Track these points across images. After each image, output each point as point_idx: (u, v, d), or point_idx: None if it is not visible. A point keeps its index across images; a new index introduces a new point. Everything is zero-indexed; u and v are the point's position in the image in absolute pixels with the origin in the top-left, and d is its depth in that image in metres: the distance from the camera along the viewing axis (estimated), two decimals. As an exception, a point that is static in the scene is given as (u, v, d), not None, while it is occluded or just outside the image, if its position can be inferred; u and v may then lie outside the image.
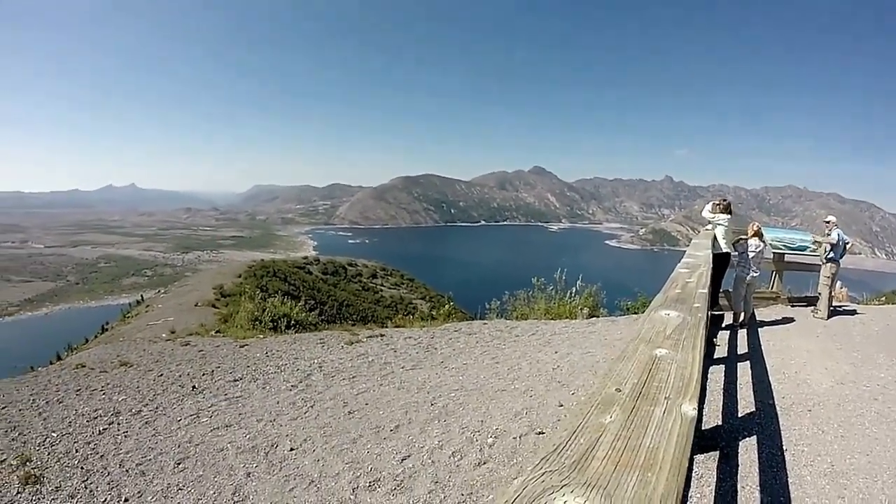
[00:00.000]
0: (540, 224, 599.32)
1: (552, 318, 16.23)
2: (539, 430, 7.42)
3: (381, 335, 14.58)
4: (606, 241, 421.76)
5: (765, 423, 7.30)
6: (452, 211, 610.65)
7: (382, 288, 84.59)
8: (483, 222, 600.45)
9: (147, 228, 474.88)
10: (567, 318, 16.20)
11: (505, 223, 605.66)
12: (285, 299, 20.28)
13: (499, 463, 6.69)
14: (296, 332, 17.01)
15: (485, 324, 15.53)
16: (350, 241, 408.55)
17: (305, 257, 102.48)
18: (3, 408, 12.05)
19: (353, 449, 7.56)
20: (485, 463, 6.73)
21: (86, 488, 7.59)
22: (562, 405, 8.21)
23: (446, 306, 20.54)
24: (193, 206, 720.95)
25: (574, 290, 17.44)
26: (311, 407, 9.31)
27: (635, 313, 16.92)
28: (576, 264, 23.94)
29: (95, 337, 53.47)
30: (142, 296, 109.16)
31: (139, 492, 7.19)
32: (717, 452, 6.41)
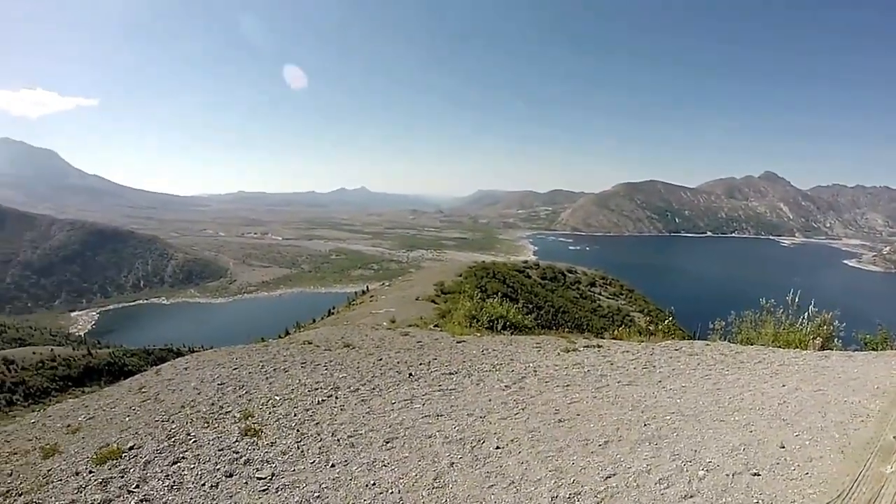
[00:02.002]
0: (771, 237, 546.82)
1: (781, 346, 14.97)
2: (755, 471, 6.73)
3: (598, 346, 14.16)
4: (845, 261, 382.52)
5: None
6: (677, 220, 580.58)
7: (600, 297, 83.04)
8: (709, 233, 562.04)
9: (375, 227, 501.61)
10: (797, 347, 14.88)
11: (733, 235, 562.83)
12: (503, 301, 20.48)
13: (706, 499, 6.18)
14: (511, 333, 17.01)
15: (707, 345, 14.56)
16: (570, 248, 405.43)
17: (525, 261, 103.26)
18: (235, 369, 13.21)
19: (558, 458, 7.38)
20: (691, 497, 6.24)
21: (298, 448, 8.15)
22: (784, 447, 7.39)
23: (666, 322, 19.77)
24: (419, 209, 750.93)
25: (806, 315, 15.92)
26: (522, 409, 9.22)
27: (874, 349, 15.09)
28: (809, 285, 22.05)
29: (322, 318, 57.21)
30: (367, 286, 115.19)
31: (346, 461, 7.56)
32: None
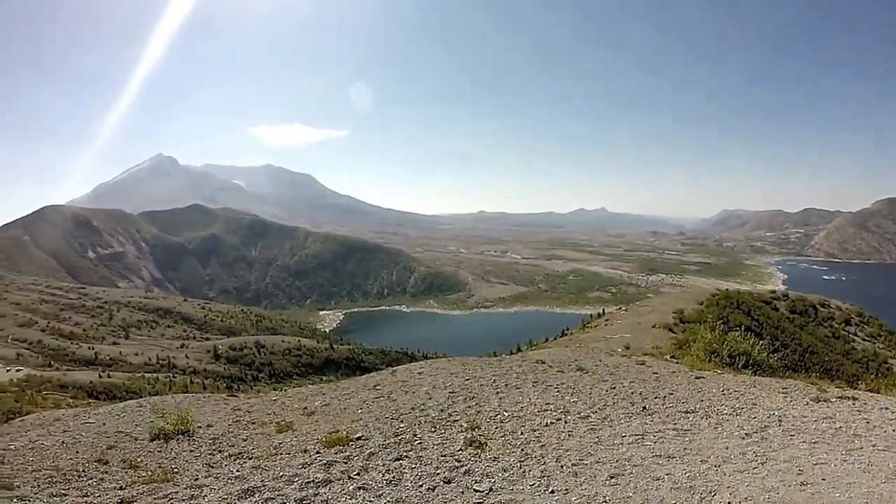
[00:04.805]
0: None
1: None
2: None
3: (853, 399, 12.35)
4: None
5: None
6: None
7: (855, 338, 74.81)
8: None
9: (614, 249, 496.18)
10: None
11: None
12: (747, 335, 19.06)
13: None
14: (754, 373, 15.80)
15: None
16: (824, 277, 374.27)
17: (773, 291, 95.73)
18: (467, 380, 13.53)
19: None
20: None
21: (520, 467, 7.94)
22: None
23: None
24: (660, 230, 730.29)
25: None
26: (762, 464, 8.19)
27: None
28: None
29: (555, 339, 57.11)
30: (603, 309, 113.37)
31: (566, 489, 7.19)
32: None
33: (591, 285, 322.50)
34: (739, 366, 16.50)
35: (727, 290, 78.21)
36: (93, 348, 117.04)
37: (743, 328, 21.37)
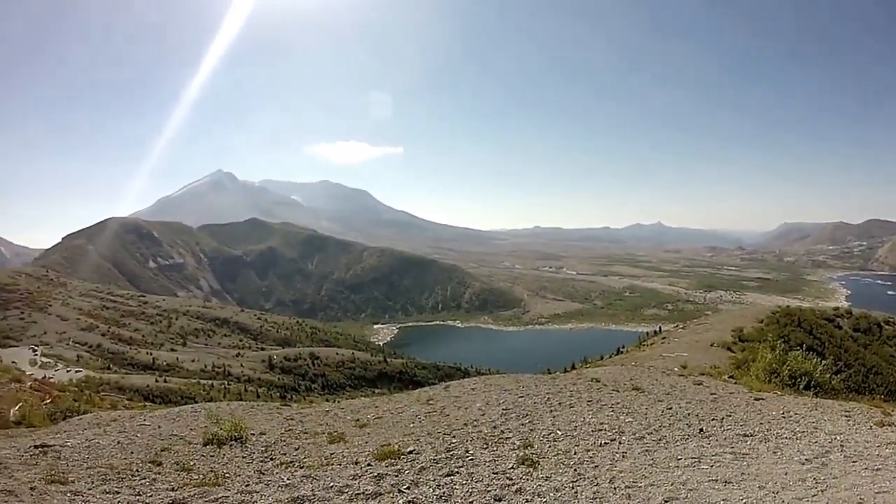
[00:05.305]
0: None
1: None
2: None
3: None
4: None
5: None
6: None
7: (923, 357, 72.30)
8: None
9: (672, 264, 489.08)
10: None
11: None
12: (808, 354, 18.53)
13: None
14: (816, 394, 15.34)
15: None
16: (889, 293, 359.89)
17: (836, 308, 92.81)
18: (520, 397, 13.48)
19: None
20: None
21: (572, 487, 7.82)
22: None
23: None
24: (718, 245, 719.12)
25: None
26: (822, 492, 7.81)
27: None
28: None
29: (610, 357, 56.62)
30: (660, 327, 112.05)
31: None
32: None
33: (647, 302, 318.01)
34: (800, 387, 16.03)
35: (788, 306, 76.30)
36: (151, 354, 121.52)
37: (804, 347, 20.91)
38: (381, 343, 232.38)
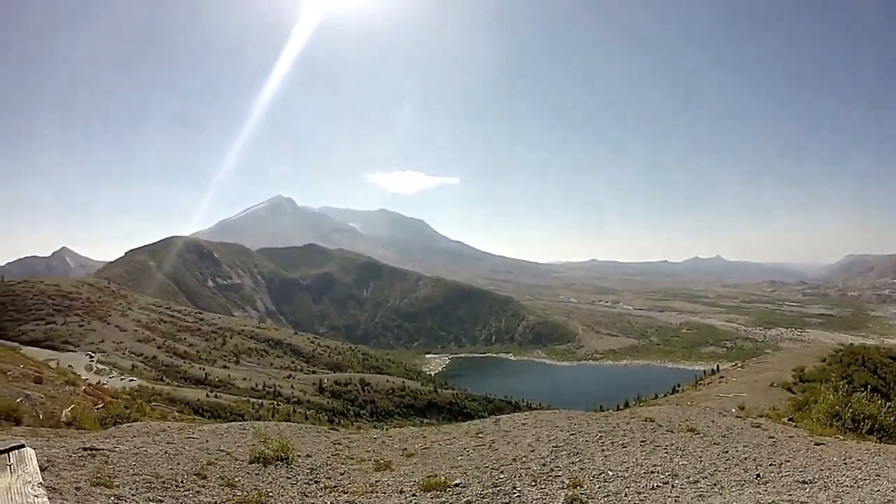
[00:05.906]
0: None
1: None
2: None
3: None
4: None
5: None
6: None
7: None
8: None
9: (731, 300, 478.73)
10: None
11: None
12: (873, 396, 17.80)
13: None
14: (880, 439, 14.69)
15: None
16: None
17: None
18: (571, 434, 13.20)
19: None
20: None
21: (621, 532, 7.48)
22: None
23: None
24: (778, 280, 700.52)
25: None
26: None
27: None
28: None
29: (665, 395, 55.71)
30: (717, 365, 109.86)
31: None
32: None
33: (705, 339, 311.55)
34: (864, 431, 15.32)
35: (851, 344, 74.23)
36: (204, 369, 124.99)
37: (868, 388, 20.06)
38: (432, 373, 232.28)
